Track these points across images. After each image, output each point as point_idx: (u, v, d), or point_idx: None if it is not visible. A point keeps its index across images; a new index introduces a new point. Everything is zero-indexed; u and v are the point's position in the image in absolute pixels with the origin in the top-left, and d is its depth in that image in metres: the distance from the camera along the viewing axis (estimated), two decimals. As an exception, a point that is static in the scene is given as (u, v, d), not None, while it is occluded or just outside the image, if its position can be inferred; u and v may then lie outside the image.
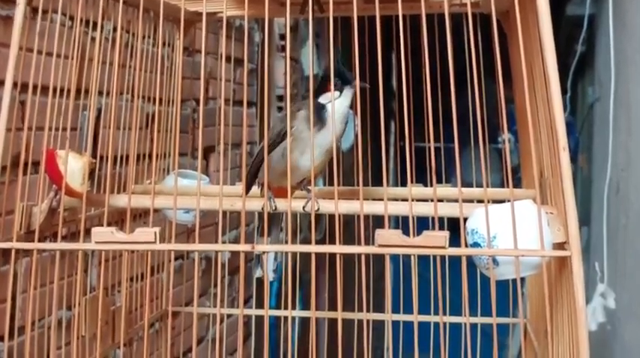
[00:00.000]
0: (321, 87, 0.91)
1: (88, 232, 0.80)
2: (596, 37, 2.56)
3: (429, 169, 0.84)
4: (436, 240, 0.72)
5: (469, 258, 0.76)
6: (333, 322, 1.12)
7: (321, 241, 0.78)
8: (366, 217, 0.78)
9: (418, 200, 0.90)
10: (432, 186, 0.76)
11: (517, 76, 1.02)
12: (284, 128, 0.89)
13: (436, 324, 1.08)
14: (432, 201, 0.80)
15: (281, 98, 2.38)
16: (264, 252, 0.78)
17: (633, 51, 2.01)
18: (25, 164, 0.84)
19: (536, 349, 1.00)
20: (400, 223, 0.82)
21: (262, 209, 0.82)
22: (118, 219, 1.04)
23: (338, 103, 0.90)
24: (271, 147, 0.89)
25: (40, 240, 0.83)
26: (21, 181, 0.85)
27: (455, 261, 0.81)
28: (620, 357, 2.00)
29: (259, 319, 1.71)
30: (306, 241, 0.82)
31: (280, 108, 2.37)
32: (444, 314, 1.07)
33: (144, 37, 1.04)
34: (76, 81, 0.88)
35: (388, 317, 0.89)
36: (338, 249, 0.75)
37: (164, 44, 1.10)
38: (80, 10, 0.87)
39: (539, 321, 0.99)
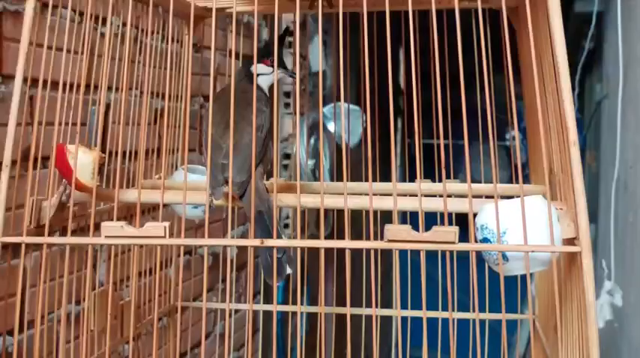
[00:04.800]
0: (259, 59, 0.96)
1: (97, 227, 0.80)
2: (605, 34, 2.55)
3: (437, 165, 0.84)
4: (445, 235, 0.72)
5: (478, 254, 0.76)
6: (339, 317, 1.13)
7: (328, 237, 0.78)
8: (374, 213, 0.78)
9: (426, 196, 0.90)
10: (440, 181, 0.76)
11: (526, 71, 1.02)
12: None
13: (444, 320, 1.08)
14: (440, 196, 0.80)
15: (288, 94, 2.38)
16: (275, 247, 0.78)
17: (642, 48, 2.00)
18: (35, 159, 0.84)
19: (544, 345, 1.00)
20: (408, 220, 0.82)
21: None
22: (126, 214, 1.04)
23: (267, 78, 0.97)
24: None
25: (49, 235, 0.84)
26: (31, 176, 0.85)
27: (463, 257, 0.81)
28: (628, 354, 2.00)
29: (267, 314, 1.72)
30: (313, 238, 0.82)
31: (287, 105, 2.38)
32: (452, 310, 1.07)
33: (153, 33, 1.04)
34: (86, 76, 0.88)
35: (397, 313, 0.89)
36: (347, 244, 0.75)
37: (173, 40, 1.10)
38: (90, 5, 0.88)
39: (548, 317, 0.98)
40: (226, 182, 0.86)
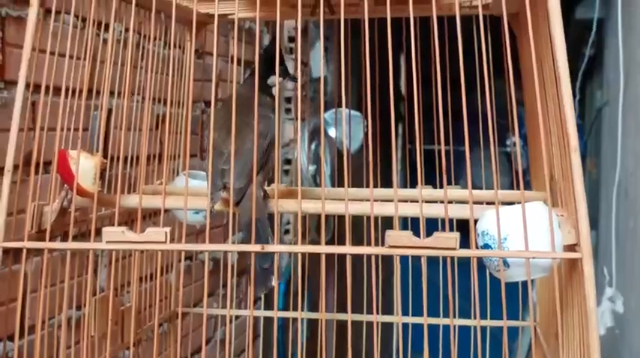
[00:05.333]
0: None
1: (98, 232, 0.81)
2: (605, 40, 2.56)
3: (438, 171, 0.84)
4: (446, 241, 0.72)
5: (478, 260, 0.76)
6: (340, 323, 1.12)
7: (329, 243, 0.78)
8: (375, 219, 0.78)
9: (427, 201, 0.90)
10: (440, 187, 0.76)
11: (527, 77, 1.02)
12: None
13: (444, 327, 1.08)
14: (441, 202, 0.80)
15: (289, 100, 2.38)
16: (274, 253, 0.78)
17: (642, 54, 2.00)
18: (37, 164, 0.84)
19: (545, 352, 1.00)
20: (409, 226, 0.82)
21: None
22: (127, 219, 1.04)
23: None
24: None
25: (50, 240, 0.84)
26: (32, 181, 0.85)
27: (463, 263, 0.81)
28: (629, 362, 2.00)
29: (267, 320, 1.71)
30: (314, 243, 0.82)
31: (288, 110, 2.38)
32: (454, 316, 1.07)
33: (155, 39, 1.05)
34: (88, 82, 0.88)
35: (398, 319, 0.88)
36: (348, 249, 0.75)
37: (175, 46, 1.10)
38: (92, 11, 0.88)
39: (549, 324, 0.98)
40: (224, 187, 0.86)
